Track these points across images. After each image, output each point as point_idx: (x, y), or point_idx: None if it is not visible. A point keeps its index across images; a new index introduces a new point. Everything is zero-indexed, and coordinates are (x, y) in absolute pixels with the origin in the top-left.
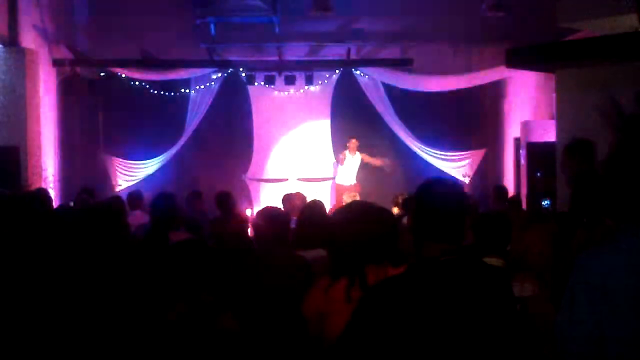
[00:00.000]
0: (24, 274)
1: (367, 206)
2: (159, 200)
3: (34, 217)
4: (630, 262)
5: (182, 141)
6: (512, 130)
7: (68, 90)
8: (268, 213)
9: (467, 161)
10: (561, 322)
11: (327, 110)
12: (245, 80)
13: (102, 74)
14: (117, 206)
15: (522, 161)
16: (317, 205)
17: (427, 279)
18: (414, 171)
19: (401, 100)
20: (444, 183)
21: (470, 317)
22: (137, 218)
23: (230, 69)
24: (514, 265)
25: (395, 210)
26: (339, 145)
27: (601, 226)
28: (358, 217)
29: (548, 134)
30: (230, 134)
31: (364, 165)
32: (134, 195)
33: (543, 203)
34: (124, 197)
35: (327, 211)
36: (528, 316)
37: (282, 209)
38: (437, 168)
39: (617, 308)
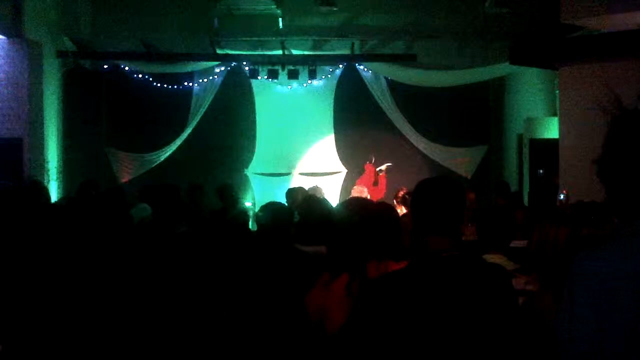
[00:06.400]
0: (20, 268)
1: (368, 202)
2: (161, 193)
3: (28, 210)
4: (630, 261)
5: (184, 134)
6: (515, 127)
7: (71, 83)
8: (271, 207)
9: (469, 157)
10: (561, 321)
11: (330, 104)
12: (248, 74)
13: (105, 67)
14: (116, 198)
15: (525, 157)
16: (316, 200)
17: (428, 274)
18: (416, 167)
19: (404, 95)
20: (441, 178)
21: (470, 312)
22: (143, 210)
23: (234, 63)
24: (519, 260)
25: (395, 204)
26: (341, 140)
27: (609, 224)
28: (359, 212)
29: (551, 130)
30: (233, 128)
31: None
32: (147, 189)
33: (559, 197)
34: (131, 189)
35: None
36: (532, 311)
37: (286, 203)
38: (439, 164)
39: (617, 308)
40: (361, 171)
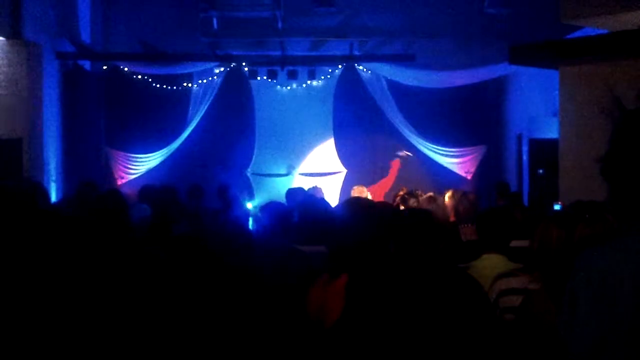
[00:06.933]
0: (18, 269)
1: (368, 201)
2: (161, 194)
3: (26, 211)
4: (633, 261)
5: (184, 135)
6: (515, 127)
7: (71, 84)
8: (271, 208)
9: (469, 157)
10: (562, 322)
11: (330, 105)
12: (247, 74)
13: (105, 68)
14: (115, 199)
15: (524, 157)
16: (316, 201)
17: (397, 277)
18: (416, 167)
19: (403, 95)
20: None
21: (437, 310)
22: (142, 211)
23: (233, 64)
24: (520, 260)
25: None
26: (341, 140)
27: (602, 222)
28: (358, 212)
29: (551, 130)
30: (232, 128)
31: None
32: (146, 189)
33: (555, 207)
34: (130, 190)
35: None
36: (531, 310)
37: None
38: (439, 164)
39: (618, 307)
40: (362, 171)
